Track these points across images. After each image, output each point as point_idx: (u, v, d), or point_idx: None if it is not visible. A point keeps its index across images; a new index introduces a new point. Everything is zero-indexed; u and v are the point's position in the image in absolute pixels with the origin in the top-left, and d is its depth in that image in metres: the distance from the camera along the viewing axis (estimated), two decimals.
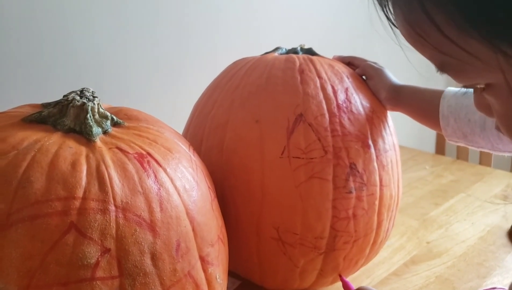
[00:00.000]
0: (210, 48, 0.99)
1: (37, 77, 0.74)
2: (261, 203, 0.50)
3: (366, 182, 0.51)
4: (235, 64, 0.60)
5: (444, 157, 1.29)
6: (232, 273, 0.58)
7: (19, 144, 0.33)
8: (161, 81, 0.93)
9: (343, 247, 0.52)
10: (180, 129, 0.59)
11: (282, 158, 0.49)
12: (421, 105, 0.56)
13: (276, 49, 0.62)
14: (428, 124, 0.57)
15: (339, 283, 0.64)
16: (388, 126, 0.57)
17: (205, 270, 0.37)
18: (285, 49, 0.63)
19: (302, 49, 0.62)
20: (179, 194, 0.36)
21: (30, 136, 0.34)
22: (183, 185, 0.37)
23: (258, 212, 0.51)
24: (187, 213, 0.36)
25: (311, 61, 0.55)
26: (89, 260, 0.30)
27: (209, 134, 0.55)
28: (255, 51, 0.66)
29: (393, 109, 0.58)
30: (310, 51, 0.62)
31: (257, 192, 0.50)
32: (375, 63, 0.61)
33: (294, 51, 0.62)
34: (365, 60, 0.61)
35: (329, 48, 0.79)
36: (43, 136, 0.34)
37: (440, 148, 1.38)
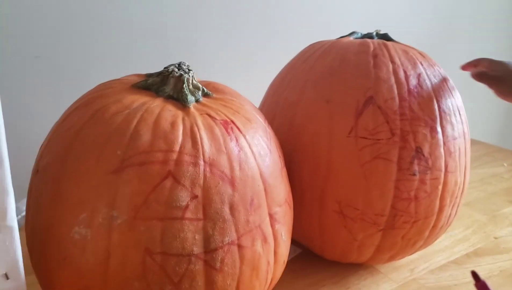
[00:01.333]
0: (286, 33, 1.03)
1: (139, 53, 0.85)
2: (326, 178, 0.54)
3: (431, 166, 0.52)
4: (311, 47, 0.63)
5: None
6: (294, 241, 0.63)
7: (131, 104, 0.40)
8: (241, 62, 0.99)
9: (402, 227, 0.54)
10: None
11: (349, 137, 0.52)
12: None
13: (352, 33, 0.64)
14: None
15: (395, 262, 0.65)
16: (460, 115, 0.57)
17: (272, 226, 0.42)
18: (361, 33, 0.64)
19: (377, 34, 0.63)
20: (255, 158, 0.42)
21: (139, 99, 0.41)
22: (258, 151, 0.42)
23: (322, 186, 0.54)
24: (261, 175, 0.42)
25: (385, 46, 0.57)
26: (181, 203, 0.36)
27: (282, 111, 0.59)
28: (331, 35, 0.68)
29: None
30: (385, 37, 0.62)
31: (323, 167, 0.54)
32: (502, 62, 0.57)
33: (369, 36, 0.63)
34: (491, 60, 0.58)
35: (406, 34, 0.78)
36: (148, 100, 0.41)
37: None
